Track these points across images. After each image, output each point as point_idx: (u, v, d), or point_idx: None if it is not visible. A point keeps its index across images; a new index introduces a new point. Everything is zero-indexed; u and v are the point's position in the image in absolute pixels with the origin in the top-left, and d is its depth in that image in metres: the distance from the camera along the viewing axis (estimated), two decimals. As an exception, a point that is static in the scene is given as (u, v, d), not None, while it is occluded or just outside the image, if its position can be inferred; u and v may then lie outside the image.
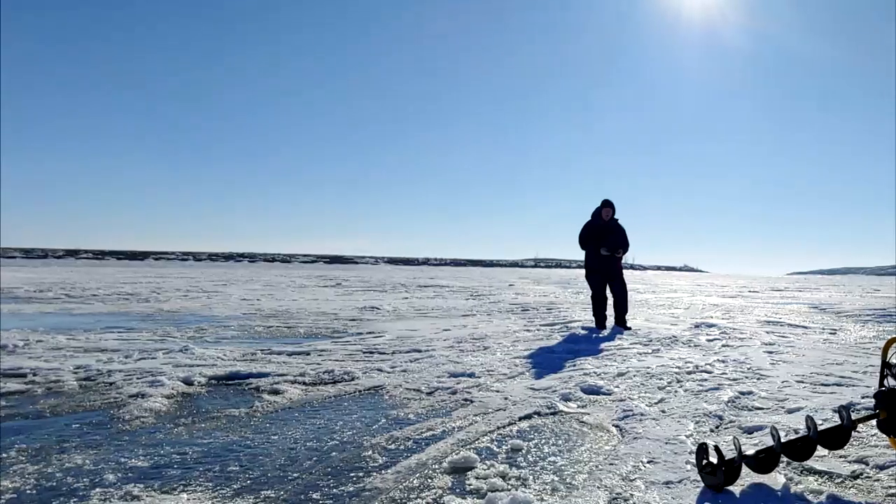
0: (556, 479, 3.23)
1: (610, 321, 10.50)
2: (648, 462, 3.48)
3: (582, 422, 4.38)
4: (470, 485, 3.13)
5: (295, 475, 3.29)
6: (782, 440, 3.20)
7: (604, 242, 10.27)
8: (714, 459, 3.13)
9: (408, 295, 19.33)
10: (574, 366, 6.51)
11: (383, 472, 3.33)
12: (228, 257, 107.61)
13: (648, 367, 6.36)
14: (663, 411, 4.62)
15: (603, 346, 8.07)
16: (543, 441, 3.92)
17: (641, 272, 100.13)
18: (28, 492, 3.01)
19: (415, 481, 3.20)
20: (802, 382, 5.52)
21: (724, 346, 8.04)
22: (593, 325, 10.41)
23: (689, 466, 3.39)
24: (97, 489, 3.04)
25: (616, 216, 10.56)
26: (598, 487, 3.10)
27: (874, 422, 3.44)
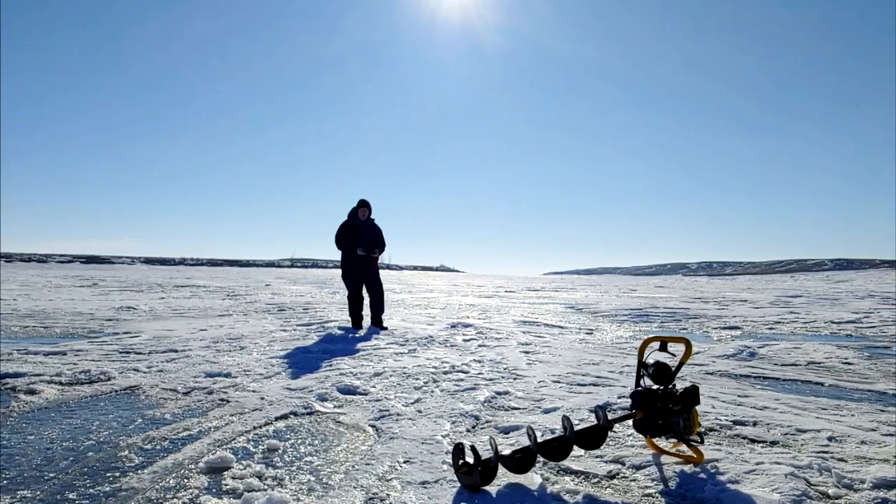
0: (313, 479, 3.32)
1: (366, 321, 10.84)
2: (405, 462, 3.54)
3: (338, 422, 4.50)
4: (226, 485, 3.21)
5: (51, 475, 3.33)
6: (539, 440, 3.31)
7: (360, 242, 10.59)
8: (470, 459, 3.19)
9: (164, 295, 19.75)
10: (330, 366, 6.69)
11: (140, 471, 3.39)
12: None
13: (405, 367, 6.52)
14: (420, 411, 4.71)
15: (359, 346, 8.30)
16: (300, 441, 4.02)
17: (398, 272, 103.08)
18: None
19: (171, 481, 3.26)
20: (559, 382, 5.82)
21: (480, 346, 8.37)
22: (350, 325, 10.73)
23: (445, 466, 3.46)
24: None
25: (373, 216, 10.92)
26: (355, 487, 3.19)
27: (630, 422, 3.65)
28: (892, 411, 4.74)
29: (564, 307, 17.21)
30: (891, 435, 4.07)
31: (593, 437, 3.38)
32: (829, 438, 4.00)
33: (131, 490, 3.10)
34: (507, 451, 3.27)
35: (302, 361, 6.99)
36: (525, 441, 3.55)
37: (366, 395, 5.28)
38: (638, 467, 3.47)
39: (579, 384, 5.73)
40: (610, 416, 3.50)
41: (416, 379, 5.89)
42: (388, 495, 3.07)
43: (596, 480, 3.30)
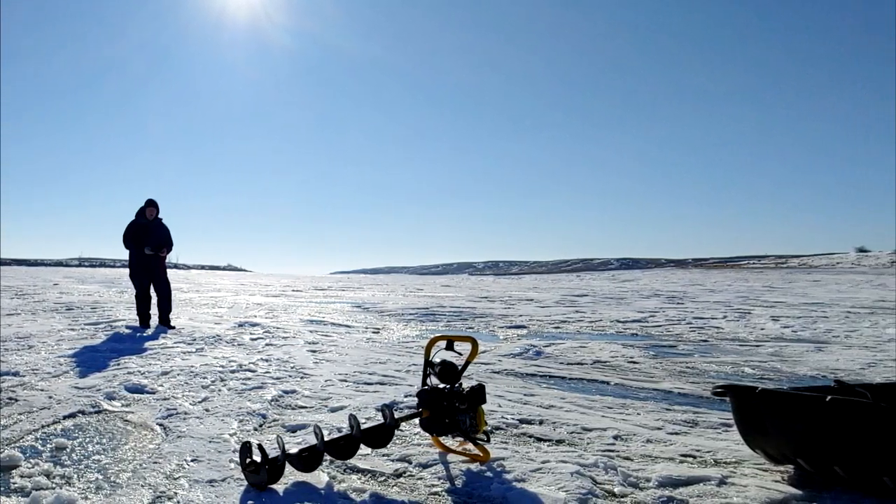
0: (101, 477, 3.33)
1: (154, 320, 10.66)
2: (192, 460, 3.52)
3: (126, 420, 4.47)
4: (15, 483, 3.22)
5: None
6: (326, 439, 3.34)
7: (148, 241, 10.44)
8: (258, 458, 3.18)
9: (-51, 296, 18.17)
10: (118, 365, 6.59)
11: (-73, 470, 3.34)
12: None
13: (192, 366, 6.40)
14: (207, 410, 4.67)
15: (147, 345, 8.14)
16: (88, 439, 4.00)
17: (186, 271, 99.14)
18: None
19: (-41, 480, 3.23)
20: (346, 381, 5.87)
21: (267, 345, 8.30)
22: (138, 324, 10.50)
23: (232, 465, 3.45)
24: None
25: (160, 215, 10.81)
26: (143, 486, 3.19)
27: (417, 420, 3.72)
28: (678, 410, 4.91)
29: (351, 306, 17.22)
30: (676, 433, 4.23)
31: (380, 436, 3.43)
32: (615, 437, 4.13)
33: (-81, 488, 3.05)
34: (294, 450, 3.29)
35: (90, 360, 6.84)
36: (312, 440, 3.54)
37: (153, 393, 5.22)
38: (425, 466, 3.55)
39: (366, 383, 5.81)
40: (397, 415, 3.55)
41: (204, 378, 5.81)
42: (175, 493, 3.06)
43: (383, 479, 3.36)
